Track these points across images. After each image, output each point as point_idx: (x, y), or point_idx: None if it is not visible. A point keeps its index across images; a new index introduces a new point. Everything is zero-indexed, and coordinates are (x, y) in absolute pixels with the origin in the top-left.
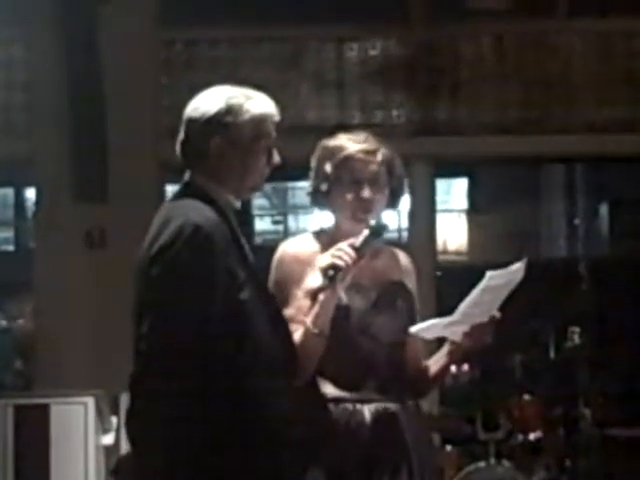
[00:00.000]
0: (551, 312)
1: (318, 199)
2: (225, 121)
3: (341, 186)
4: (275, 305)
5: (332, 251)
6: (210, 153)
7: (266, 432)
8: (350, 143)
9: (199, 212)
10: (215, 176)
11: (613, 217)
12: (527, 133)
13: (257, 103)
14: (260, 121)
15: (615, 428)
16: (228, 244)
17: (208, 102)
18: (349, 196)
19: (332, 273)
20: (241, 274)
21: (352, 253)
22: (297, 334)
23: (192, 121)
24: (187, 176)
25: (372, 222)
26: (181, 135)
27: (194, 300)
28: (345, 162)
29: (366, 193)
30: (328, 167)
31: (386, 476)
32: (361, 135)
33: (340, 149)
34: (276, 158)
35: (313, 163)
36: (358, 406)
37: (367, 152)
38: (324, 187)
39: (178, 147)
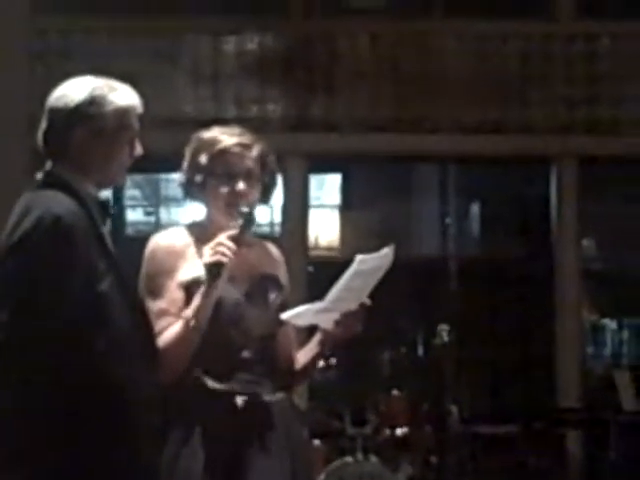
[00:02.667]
0: (420, 310)
1: (191, 191)
2: (88, 112)
3: (215, 179)
4: (137, 297)
5: (212, 245)
6: (72, 143)
7: (123, 423)
8: (225, 136)
9: (59, 202)
10: (77, 167)
11: (483, 217)
12: (400, 131)
13: (121, 95)
14: (123, 113)
15: (481, 425)
16: (88, 235)
17: (72, 92)
18: (223, 189)
19: (217, 270)
20: (101, 265)
21: (233, 246)
22: (175, 327)
23: (55, 111)
24: (48, 166)
25: (244, 209)
26: (43, 124)
27: (52, 291)
28: (220, 155)
29: (240, 186)
30: (203, 159)
31: (259, 461)
32: (236, 129)
33: (216, 141)
34: (138, 150)
35: (187, 154)
36: (231, 396)
37: (243, 146)
38: (198, 179)
39: (40, 136)
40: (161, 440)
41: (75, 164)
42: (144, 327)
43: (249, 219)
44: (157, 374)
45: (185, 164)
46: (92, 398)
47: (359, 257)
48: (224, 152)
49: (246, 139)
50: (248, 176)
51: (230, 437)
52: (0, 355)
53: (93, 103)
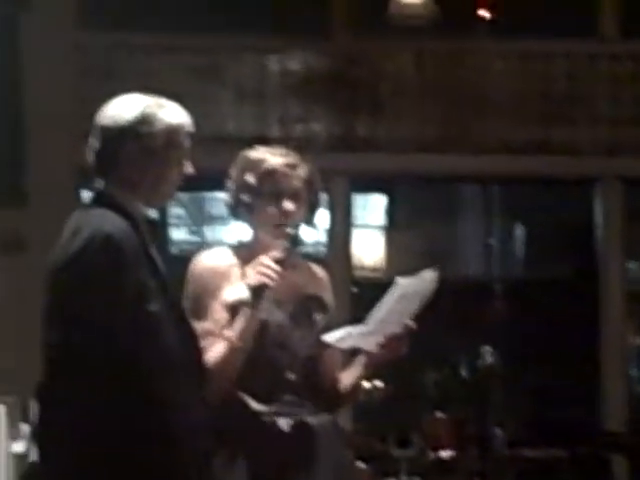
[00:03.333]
0: (464, 331)
1: (237, 210)
2: (139, 130)
3: (263, 198)
4: (185, 318)
5: (256, 266)
6: (122, 162)
7: (171, 445)
8: (272, 156)
9: (110, 221)
10: (127, 185)
11: (527, 238)
12: (445, 151)
13: (171, 113)
14: (173, 131)
15: (526, 448)
16: (139, 254)
17: (122, 110)
18: (271, 209)
19: (261, 292)
20: (151, 285)
21: (277, 268)
22: (218, 348)
23: (105, 129)
24: (99, 184)
25: (289, 231)
26: (94, 143)
27: (102, 310)
28: (268, 174)
29: (288, 206)
30: (250, 178)
31: None
32: (282, 149)
33: (263, 161)
34: (188, 168)
35: (233, 174)
36: (275, 419)
37: (290, 166)
38: (245, 198)
39: (90, 155)
40: (208, 465)
41: (125, 182)
42: (193, 347)
43: (294, 240)
44: (205, 394)
45: (231, 183)
46: (140, 420)
47: (399, 280)
48: (272, 172)
49: (293, 159)
50: (295, 196)
51: (275, 461)
52: (51, 374)
53: (144, 121)
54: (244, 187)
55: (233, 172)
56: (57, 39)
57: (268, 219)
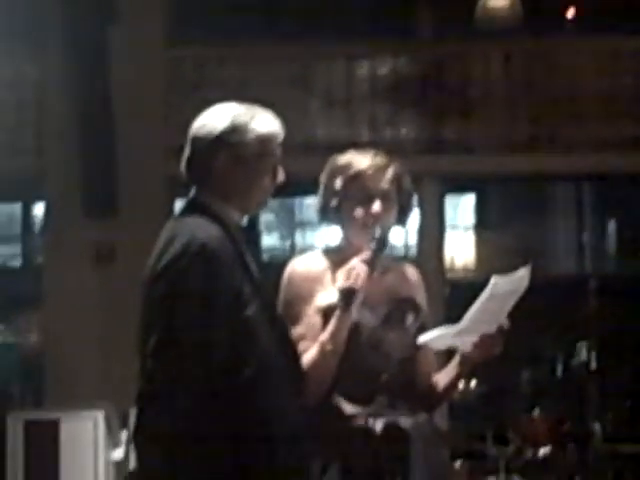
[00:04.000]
0: (559, 329)
1: (328, 215)
2: (231, 139)
3: (351, 202)
4: (282, 323)
5: (347, 270)
6: (215, 171)
7: (270, 451)
8: (360, 159)
9: (204, 229)
10: (220, 193)
11: (620, 234)
12: (535, 151)
13: (262, 122)
14: (265, 140)
15: (625, 444)
16: (233, 261)
17: (214, 120)
18: (359, 211)
19: (350, 296)
20: (246, 291)
21: (366, 271)
22: (311, 352)
23: (198, 139)
24: (192, 193)
25: (377, 233)
26: (186, 152)
27: (198, 318)
28: (356, 178)
29: (376, 207)
30: (338, 183)
31: None
32: (371, 151)
33: (351, 165)
34: (281, 176)
35: (323, 179)
36: (370, 420)
37: (377, 168)
38: (334, 202)
39: (183, 164)
40: (306, 469)
41: (218, 191)
42: (289, 352)
43: (382, 242)
44: (303, 398)
45: (321, 188)
46: (240, 425)
47: (494, 279)
48: (358, 175)
49: (380, 161)
50: (384, 198)
51: (368, 465)
52: (149, 381)
53: (235, 131)
54: (332, 192)
55: (322, 177)
56: (146, 52)
57: (356, 221)
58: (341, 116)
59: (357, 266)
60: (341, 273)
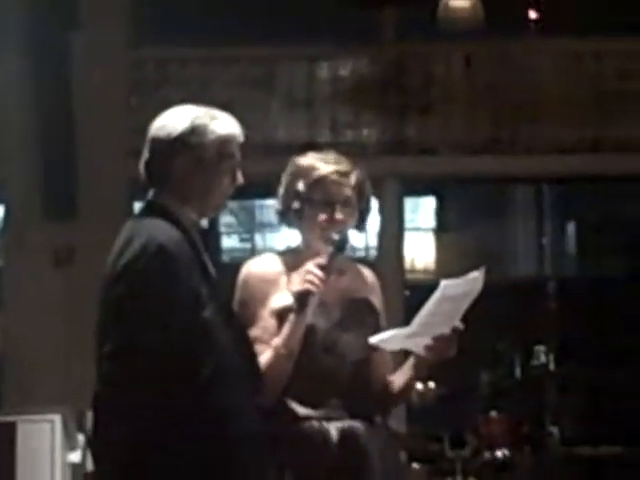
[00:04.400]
0: (517, 331)
1: (287, 218)
2: (190, 141)
3: (313, 206)
4: (238, 324)
5: (302, 273)
6: (174, 173)
7: (229, 451)
8: (323, 164)
9: (162, 231)
10: (179, 195)
11: (580, 236)
12: (496, 153)
13: (222, 124)
14: (225, 142)
15: (582, 446)
16: (191, 263)
17: (173, 122)
18: (322, 217)
19: (305, 299)
20: (204, 293)
21: (321, 275)
22: (265, 355)
23: (156, 141)
24: (150, 195)
25: (335, 236)
26: (145, 154)
27: (156, 319)
28: (318, 182)
29: (339, 215)
30: (300, 186)
31: None
32: (332, 155)
33: (314, 168)
34: (240, 178)
35: (283, 181)
36: (324, 424)
37: (341, 174)
38: (295, 205)
39: (142, 166)
40: (264, 471)
41: (177, 193)
42: (246, 352)
43: (340, 246)
44: (261, 397)
45: (281, 190)
46: (197, 426)
47: (443, 282)
48: (322, 180)
49: (344, 167)
50: (346, 204)
51: (322, 468)
52: (107, 384)
53: (194, 132)
54: (294, 194)
55: (283, 179)
56: (108, 54)
57: (318, 226)
58: (302, 117)
59: (312, 270)
60: (297, 276)
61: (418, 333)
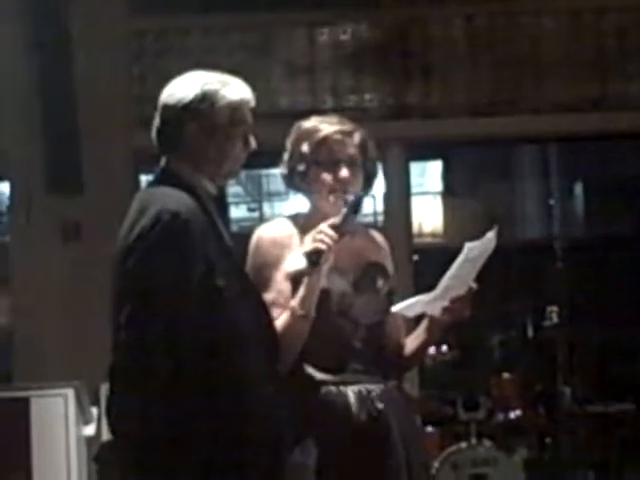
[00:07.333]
0: (528, 292)
1: (294, 181)
2: (201, 107)
3: (318, 167)
4: (255, 291)
5: (313, 234)
6: (186, 140)
7: (247, 416)
8: (326, 125)
9: (176, 199)
10: (191, 162)
11: (588, 196)
12: (499, 114)
13: (233, 89)
14: (236, 107)
15: (594, 405)
16: (206, 231)
17: (183, 88)
18: (327, 176)
19: (316, 258)
20: (219, 261)
21: (334, 234)
22: (282, 318)
23: (167, 107)
24: (163, 163)
25: (350, 198)
26: (156, 121)
27: (171, 288)
28: (323, 143)
29: (344, 173)
30: (305, 148)
31: (372, 455)
32: (335, 117)
33: (317, 130)
34: (252, 144)
35: (288, 145)
36: (342, 388)
37: (344, 133)
38: (301, 168)
39: (153, 133)
40: (283, 439)
41: (189, 160)
42: (263, 319)
43: (354, 207)
44: (279, 364)
45: (286, 154)
46: (213, 395)
47: (468, 245)
48: (326, 140)
49: (347, 127)
50: (351, 163)
51: (345, 436)
52: (122, 353)
53: (205, 99)
54: (299, 157)
55: (288, 143)
56: (109, 25)
57: (324, 187)
58: (304, 84)
59: (324, 229)
60: (308, 237)
61: (439, 297)
